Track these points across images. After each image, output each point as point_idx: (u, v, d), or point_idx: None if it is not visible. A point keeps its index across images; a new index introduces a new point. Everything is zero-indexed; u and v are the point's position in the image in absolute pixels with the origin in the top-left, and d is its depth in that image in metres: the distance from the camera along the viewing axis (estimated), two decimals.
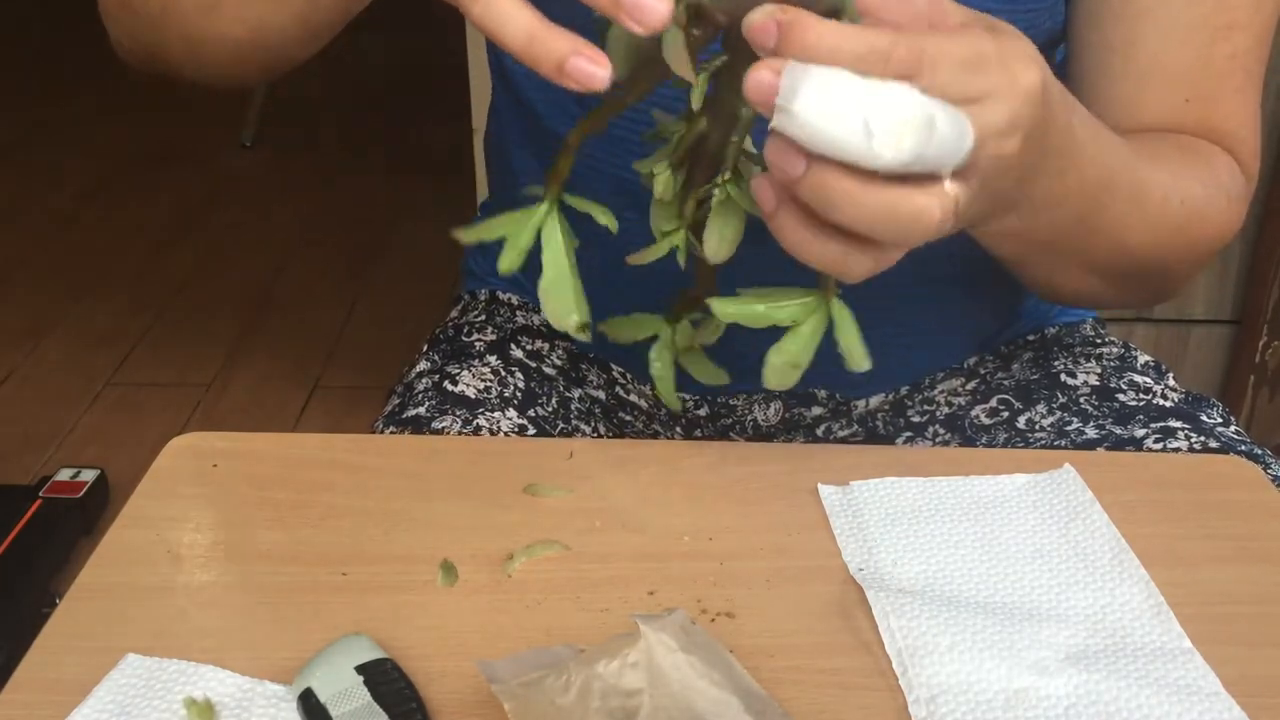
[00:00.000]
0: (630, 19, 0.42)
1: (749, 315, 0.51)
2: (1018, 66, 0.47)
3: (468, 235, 0.52)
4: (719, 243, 0.52)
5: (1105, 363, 0.80)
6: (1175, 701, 0.47)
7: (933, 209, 0.45)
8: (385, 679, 0.46)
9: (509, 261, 0.51)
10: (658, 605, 0.52)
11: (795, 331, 0.51)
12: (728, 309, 0.51)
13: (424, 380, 0.77)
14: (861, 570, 0.54)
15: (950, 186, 0.45)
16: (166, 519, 0.58)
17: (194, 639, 0.50)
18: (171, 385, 2.11)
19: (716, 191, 0.51)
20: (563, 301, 0.52)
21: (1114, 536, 0.56)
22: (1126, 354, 0.81)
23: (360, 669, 0.47)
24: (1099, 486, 0.60)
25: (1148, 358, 0.82)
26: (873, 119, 0.42)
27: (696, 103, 0.49)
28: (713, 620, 0.52)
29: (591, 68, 0.44)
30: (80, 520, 1.66)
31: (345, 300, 2.36)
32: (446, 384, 0.75)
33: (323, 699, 0.45)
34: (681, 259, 0.54)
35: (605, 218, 0.52)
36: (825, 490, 0.59)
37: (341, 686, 0.46)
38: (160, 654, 0.49)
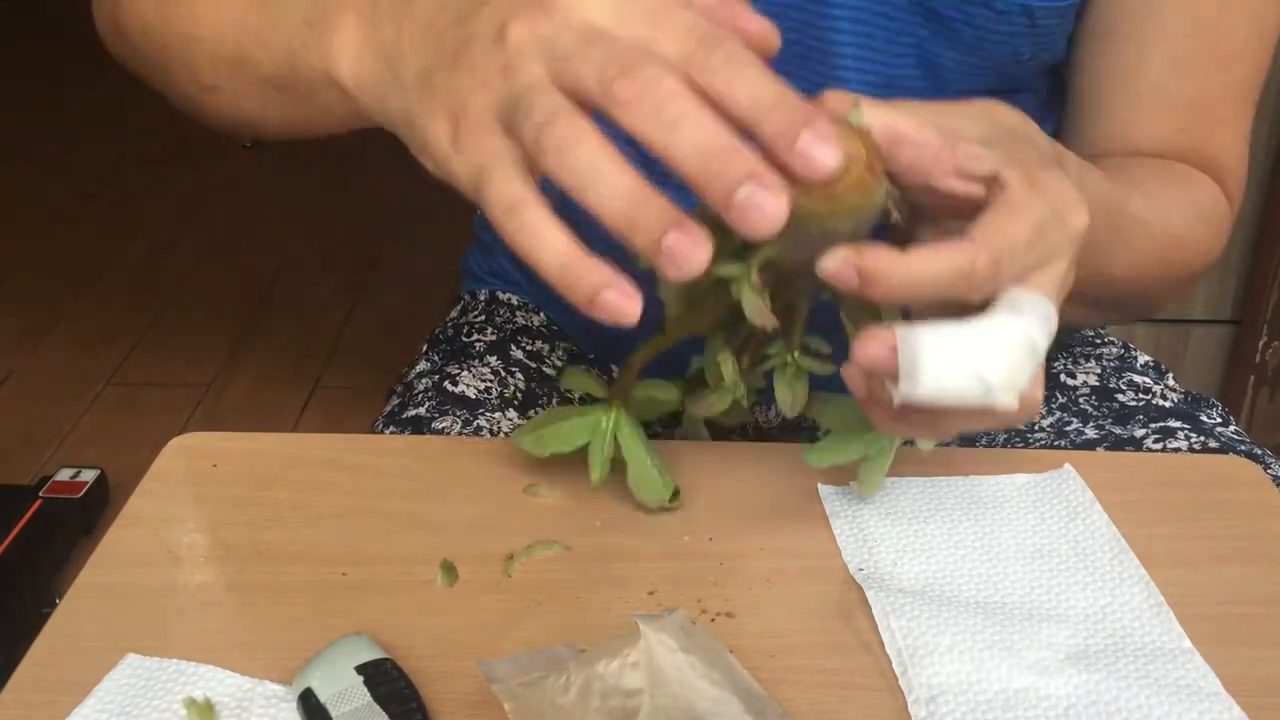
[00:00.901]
0: (668, 265, 0.39)
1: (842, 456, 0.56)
2: (1069, 214, 0.48)
3: (533, 446, 0.58)
4: (793, 400, 0.55)
5: (1105, 363, 0.80)
6: (1175, 702, 0.47)
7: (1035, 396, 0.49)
8: (385, 679, 0.46)
9: (599, 476, 0.57)
10: (658, 605, 0.52)
11: (872, 464, 0.56)
12: (821, 458, 0.56)
13: (424, 380, 0.77)
14: (861, 570, 0.54)
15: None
16: (166, 519, 0.58)
17: (194, 639, 0.50)
18: (171, 385, 2.11)
19: (781, 360, 0.54)
20: (652, 488, 0.57)
21: (1114, 536, 0.56)
22: (1126, 354, 0.81)
23: (360, 669, 0.47)
24: (1099, 486, 0.60)
25: (1147, 358, 0.82)
26: (988, 373, 0.45)
27: (769, 325, 0.49)
28: (713, 620, 0.52)
29: (624, 303, 0.40)
30: (80, 520, 1.66)
31: (345, 300, 2.36)
32: (447, 384, 0.75)
33: (323, 699, 0.45)
34: (745, 402, 0.57)
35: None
36: (825, 490, 0.59)
37: (341, 686, 0.46)
38: (160, 654, 0.49)
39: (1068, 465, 0.61)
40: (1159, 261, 0.67)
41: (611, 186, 0.40)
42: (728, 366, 0.55)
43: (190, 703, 0.46)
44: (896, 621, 0.51)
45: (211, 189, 2.78)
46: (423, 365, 0.81)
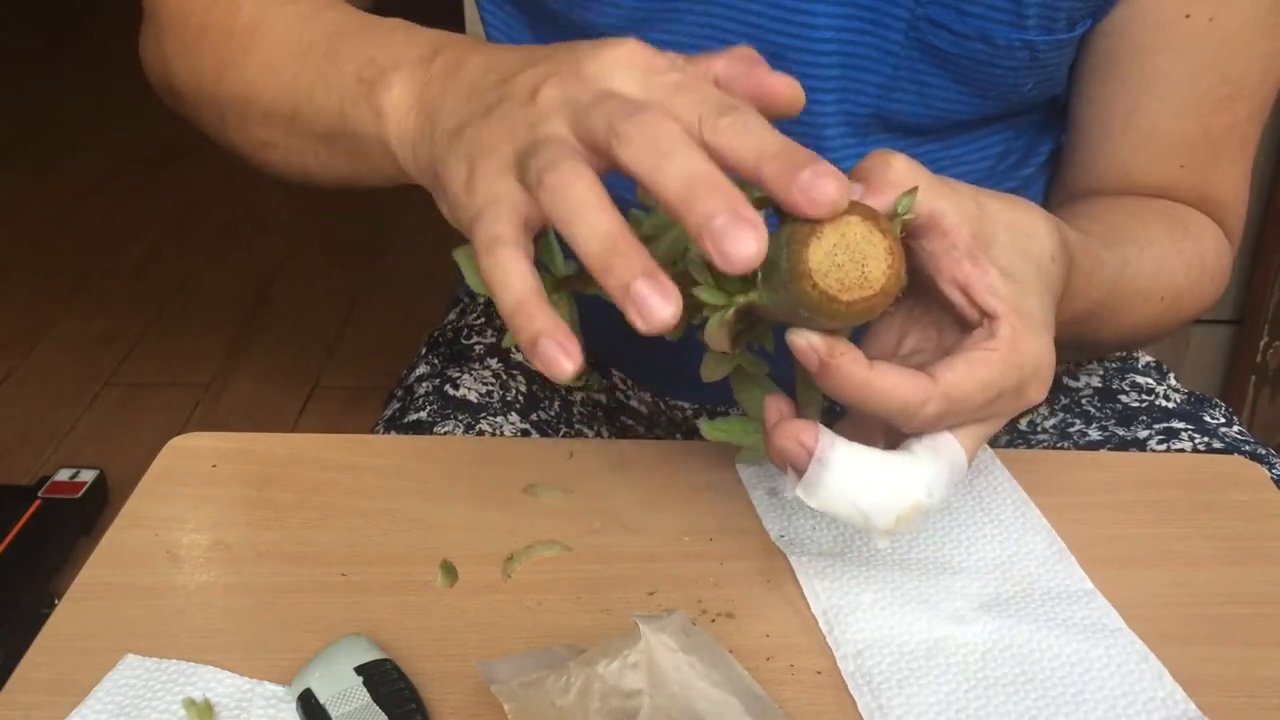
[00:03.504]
0: (634, 314, 0.40)
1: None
2: (1032, 388, 0.48)
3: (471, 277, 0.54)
4: (713, 371, 0.54)
5: (1107, 364, 0.80)
6: (1082, 640, 0.50)
7: None
8: (385, 679, 0.46)
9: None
10: (658, 605, 0.52)
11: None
12: (715, 433, 0.56)
13: (424, 384, 0.77)
14: (783, 536, 0.56)
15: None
16: (166, 519, 0.58)
17: (193, 639, 0.50)
18: (171, 385, 2.11)
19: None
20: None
21: (1015, 490, 0.59)
22: (1128, 355, 0.81)
23: (360, 669, 0.46)
24: (1100, 487, 0.60)
25: (1149, 358, 0.82)
26: (876, 519, 0.47)
27: (719, 349, 0.49)
28: (713, 620, 0.52)
29: (558, 357, 0.40)
30: (79, 520, 1.66)
31: (345, 300, 2.36)
32: (448, 388, 0.75)
33: (322, 699, 0.45)
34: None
35: None
36: (741, 466, 0.61)
37: (341, 687, 0.46)
38: (159, 654, 0.49)
39: None
40: (1153, 323, 0.67)
41: (593, 227, 0.40)
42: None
43: (189, 703, 0.46)
44: (820, 584, 0.53)
45: (211, 189, 2.78)
46: (422, 369, 0.81)
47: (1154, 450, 0.70)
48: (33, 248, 2.54)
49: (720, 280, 0.46)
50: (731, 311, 0.46)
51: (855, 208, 0.43)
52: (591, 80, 0.44)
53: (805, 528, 0.57)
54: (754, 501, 0.59)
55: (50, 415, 2.01)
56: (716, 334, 0.47)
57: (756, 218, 0.39)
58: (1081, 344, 0.66)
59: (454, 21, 1.62)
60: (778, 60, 0.64)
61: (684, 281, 0.47)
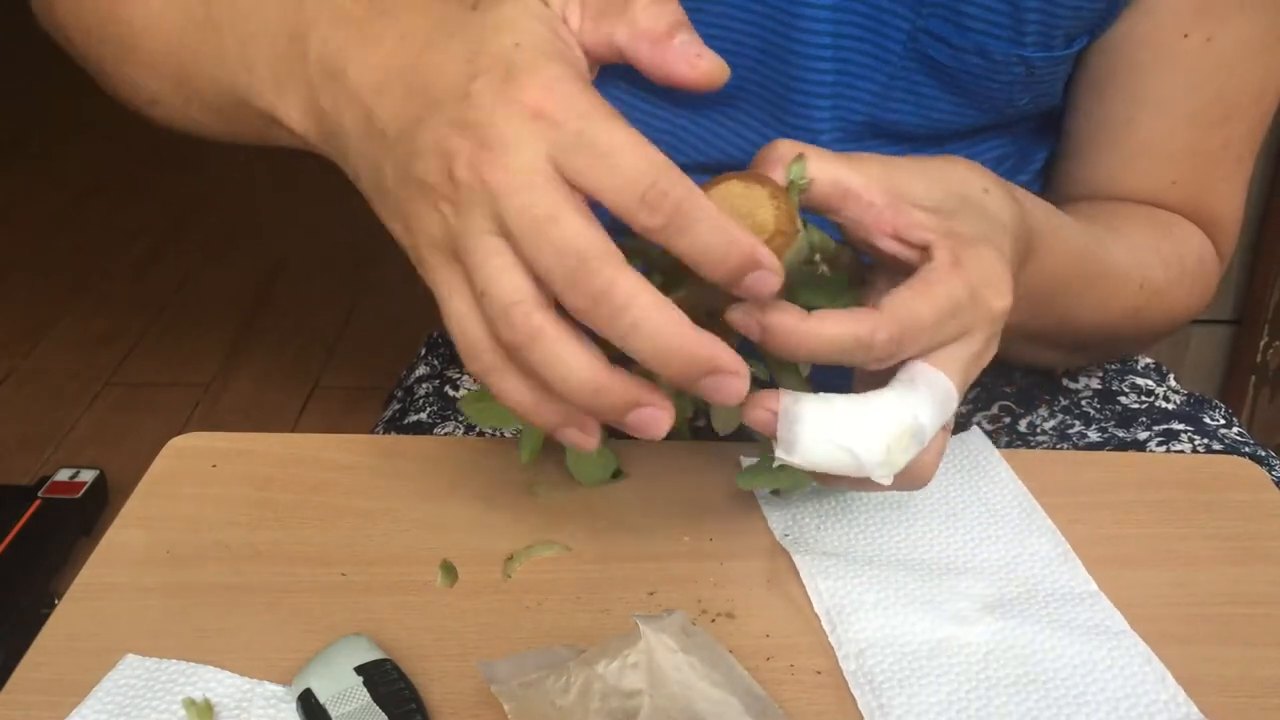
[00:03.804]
0: (636, 433, 0.43)
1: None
2: (988, 295, 0.48)
3: (475, 415, 0.57)
4: (725, 421, 0.56)
5: (1107, 365, 0.80)
6: (1085, 641, 0.50)
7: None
8: (385, 679, 0.46)
9: (527, 458, 0.58)
10: (658, 605, 0.52)
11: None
12: (749, 482, 0.56)
13: (424, 385, 0.77)
14: (787, 535, 0.57)
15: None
16: (166, 519, 0.58)
17: (193, 639, 0.50)
18: (171, 385, 2.11)
19: None
20: (589, 470, 0.59)
21: (1021, 491, 0.59)
22: (1127, 356, 0.81)
23: (360, 669, 0.46)
24: (1100, 487, 0.60)
25: (1148, 360, 0.82)
26: (862, 451, 0.46)
27: None
28: (713, 620, 0.52)
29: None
30: (79, 521, 1.66)
31: (345, 300, 2.36)
32: (448, 389, 0.75)
33: (322, 699, 0.45)
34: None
35: None
36: (746, 461, 0.61)
37: (341, 687, 0.46)
38: (159, 654, 0.49)
39: (975, 427, 0.64)
40: (1132, 312, 0.67)
41: (566, 375, 0.42)
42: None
43: (189, 703, 0.46)
44: (824, 583, 0.53)
45: (210, 189, 2.78)
46: (422, 370, 0.81)
47: (1154, 452, 0.70)
48: (33, 248, 2.54)
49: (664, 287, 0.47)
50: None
51: (730, 174, 0.45)
52: (502, 156, 0.42)
53: (810, 527, 0.57)
54: (759, 501, 0.59)
55: (50, 415, 2.01)
56: None
57: (739, 365, 0.42)
58: (1063, 328, 0.66)
59: None
60: (776, 62, 0.64)
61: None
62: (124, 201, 2.73)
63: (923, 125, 0.67)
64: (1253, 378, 1.74)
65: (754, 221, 0.44)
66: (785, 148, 0.47)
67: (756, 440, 0.58)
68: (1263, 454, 0.69)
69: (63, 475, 1.71)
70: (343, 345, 2.24)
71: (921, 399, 0.47)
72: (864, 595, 0.52)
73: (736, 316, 0.46)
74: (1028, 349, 0.71)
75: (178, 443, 0.63)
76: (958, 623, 0.51)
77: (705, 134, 0.67)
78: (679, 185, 0.41)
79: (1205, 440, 0.70)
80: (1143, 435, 0.72)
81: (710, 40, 0.64)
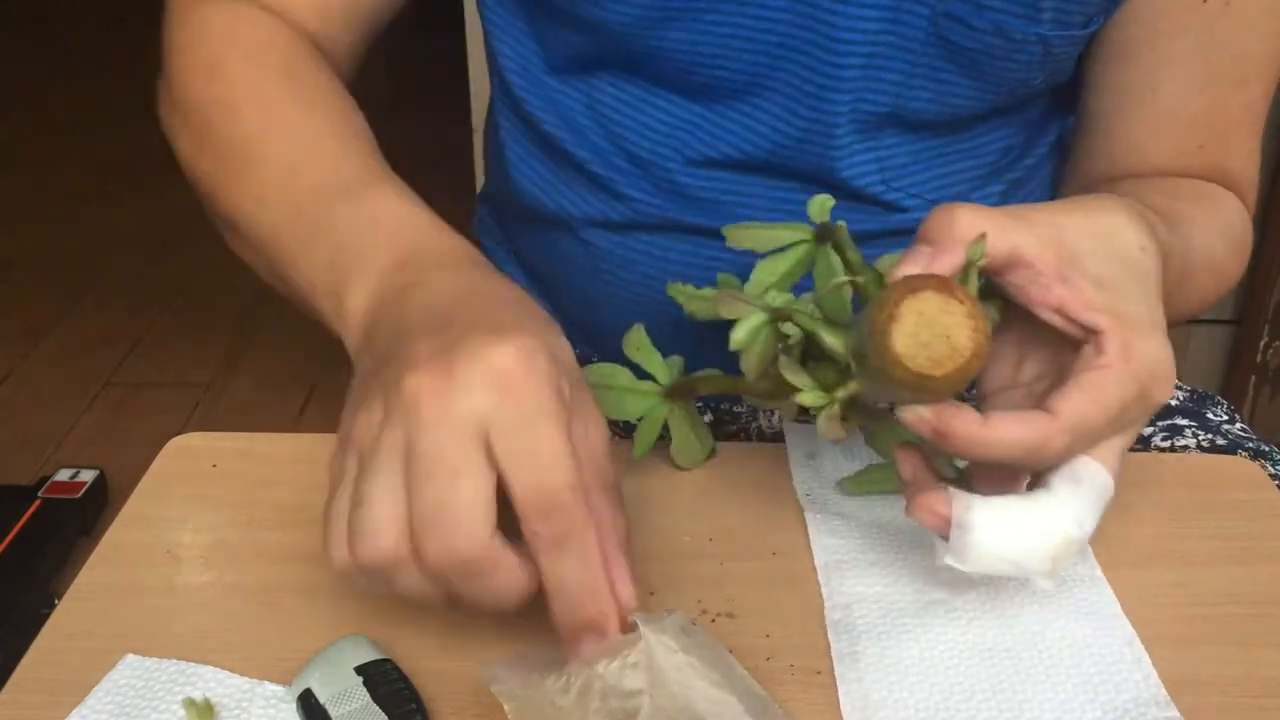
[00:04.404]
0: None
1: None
2: (1156, 390, 0.48)
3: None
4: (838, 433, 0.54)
5: None
6: (1073, 617, 0.51)
7: None
8: (385, 679, 0.46)
9: (641, 453, 0.60)
10: (658, 605, 0.52)
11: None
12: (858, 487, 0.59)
13: None
14: (808, 495, 0.59)
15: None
16: (166, 519, 0.58)
17: (193, 639, 0.50)
18: (171, 385, 2.11)
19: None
20: (692, 453, 0.61)
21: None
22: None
23: (360, 669, 0.46)
24: None
25: None
26: (1031, 564, 0.47)
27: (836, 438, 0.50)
28: (713, 620, 0.52)
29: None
30: (79, 521, 1.66)
31: None
32: None
33: (322, 699, 0.45)
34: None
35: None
36: (788, 424, 0.63)
37: (341, 687, 0.46)
38: (159, 654, 0.49)
39: None
40: (1203, 300, 0.68)
41: (562, 609, 0.44)
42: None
43: (189, 703, 0.46)
44: (829, 540, 0.56)
45: None
46: None
47: (1158, 447, 0.70)
48: (33, 248, 2.54)
49: (818, 378, 0.48)
50: (836, 406, 0.48)
51: (926, 280, 0.43)
52: (446, 391, 0.42)
53: (832, 491, 0.59)
54: (790, 459, 0.61)
55: (50, 415, 2.01)
56: (827, 428, 0.48)
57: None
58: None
59: (454, 21, 1.62)
60: (801, 56, 0.64)
61: (780, 381, 0.49)
62: (124, 202, 2.73)
63: (942, 112, 0.67)
64: (1253, 377, 1.74)
65: (950, 344, 0.43)
66: (964, 222, 0.46)
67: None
68: (1266, 449, 0.70)
69: (63, 475, 1.71)
70: (343, 345, 2.23)
71: (1084, 505, 0.47)
72: (864, 554, 0.54)
73: (910, 418, 0.46)
74: None
75: (178, 443, 0.63)
76: (951, 590, 0.52)
77: (717, 128, 0.68)
78: (579, 515, 0.42)
79: (1209, 435, 0.71)
80: (1147, 431, 0.72)
81: (734, 34, 0.64)
